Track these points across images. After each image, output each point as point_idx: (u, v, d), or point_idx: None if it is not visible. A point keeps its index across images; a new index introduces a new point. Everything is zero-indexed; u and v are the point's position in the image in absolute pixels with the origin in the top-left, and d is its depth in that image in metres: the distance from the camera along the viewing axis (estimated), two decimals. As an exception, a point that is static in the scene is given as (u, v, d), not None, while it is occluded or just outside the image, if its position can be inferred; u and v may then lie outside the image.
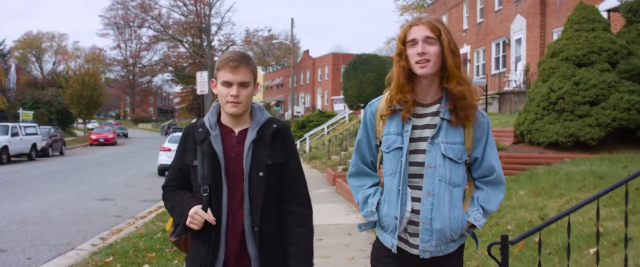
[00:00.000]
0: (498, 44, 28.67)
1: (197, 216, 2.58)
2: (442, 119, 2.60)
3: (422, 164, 2.60)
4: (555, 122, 10.14)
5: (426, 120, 2.63)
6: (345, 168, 17.26)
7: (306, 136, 32.42)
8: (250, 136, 2.67)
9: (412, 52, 2.57)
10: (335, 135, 27.89)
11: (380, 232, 2.75)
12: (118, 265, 6.92)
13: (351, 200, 12.14)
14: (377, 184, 2.82)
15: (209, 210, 2.61)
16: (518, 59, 25.70)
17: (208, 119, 2.74)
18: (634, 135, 9.93)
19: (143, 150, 38.56)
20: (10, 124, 27.83)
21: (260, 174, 2.63)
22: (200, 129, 2.72)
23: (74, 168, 23.86)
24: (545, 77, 10.63)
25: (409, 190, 2.61)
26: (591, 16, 10.62)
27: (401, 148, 2.62)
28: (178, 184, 2.80)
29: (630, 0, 10.74)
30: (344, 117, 35.11)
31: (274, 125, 2.74)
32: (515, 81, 24.00)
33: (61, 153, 33.67)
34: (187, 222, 2.60)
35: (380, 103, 2.75)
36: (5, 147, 25.54)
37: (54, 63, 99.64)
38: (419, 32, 2.56)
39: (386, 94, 2.72)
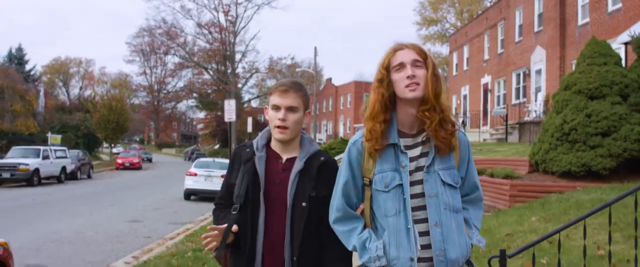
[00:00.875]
0: (518, 75, 29.08)
1: (211, 230, 2.65)
2: (434, 146, 2.54)
3: (420, 195, 2.51)
4: (569, 152, 10.56)
5: (418, 150, 2.55)
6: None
7: (328, 162, 32.90)
8: (298, 166, 2.71)
9: (400, 77, 2.49)
10: (357, 162, 28.38)
11: None
12: (152, 280, 7.43)
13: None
14: (365, 226, 2.65)
15: (235, 227, 2.67)
16: (538, 90, 26.05)
17: (257, 141, 2.81)
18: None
19: (168, 174, 39.28)
20: (41, 148, 28.78)
21: (304, 204, 2.66)
22: (247, 149, 2.79)
23: (103, 191, 24.57)
24: (559, 109, 11.09)
25: (415, 226, 2.50)
26: (603, 51, 11.09)
27: (401, 185, 2.52)
28: (226, 201, 2.86)
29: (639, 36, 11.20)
30: (366, 145, 35.56)
31: (322, 158, 2.78)
32: (534, 111, 24.33)
33: (89, 176, 34.53)
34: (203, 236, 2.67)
35: (364, 140, 2.61)
36: (37, 170, 26.35)
37: (81, 88, 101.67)
38: (406, 56, 2.51)
39: (363, 131, 2.63)
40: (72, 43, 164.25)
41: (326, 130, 68.28)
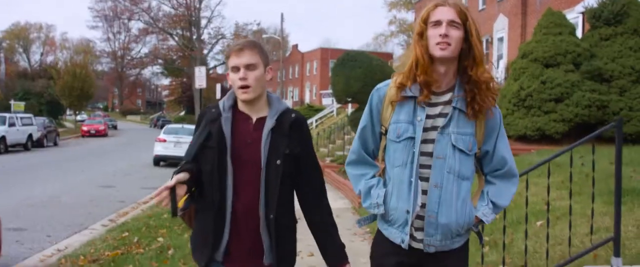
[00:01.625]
0: (482, 42, 29.73)
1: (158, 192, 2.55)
2: (454, 108, 2.48)
3: (430, 154, 2.48)
4: (524, 117, 11.20)
5: (438, 109, 2.50)
6: (334, 160, 18.27)
7: (295, 129, 33.32)
8: (269, 124, 2.66)
9: (434, 33, 2.42)
10: (324, 128, 28.84)
11: (385, 226, 2.63)
12: (135, 238, 7.86)
13: (339, 188, 13.11)
14: (376, 174, 2.69)
15: (176, 177, 2.55)
16: (500, 57, 26.73)
17: (223, 102, 2.75)
18: (595, 129, 10.96)
19: (135, 141, 39.34)
20: (7, 115, 28.54)
21: (278, 162, 2.62)
22: (213, 110, 2.74)
23: (71, 158, 24.67)
24: (516, 76, 11.69)
25: (419, 182, 2.48)
26: (558, 21, 11.68)
27: (413, 138, 2.48)
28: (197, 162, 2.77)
29: (594, 7, 11.79)
30: (332, 111, 36.04)
31: (293, 115, 2.74)
32: (497, 78, 25.02)
33: (55, 144, 34.38)
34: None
35: (389, 88, 2.59)
36: (3, 138, 26.23)
37: (42, 54, 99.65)
38: (445, 14, 2.42)
39: (395, 79, 2.58)
40: (31, 6, 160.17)
41: (292, 97, 68.48)
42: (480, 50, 2.45)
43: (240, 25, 74.63)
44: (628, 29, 11.33)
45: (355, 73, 21.48)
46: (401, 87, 2.51)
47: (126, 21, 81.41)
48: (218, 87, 26.28)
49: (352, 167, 2.74)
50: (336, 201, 11.05)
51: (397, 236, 2.55)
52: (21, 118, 29.49)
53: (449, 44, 2.39)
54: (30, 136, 29.48)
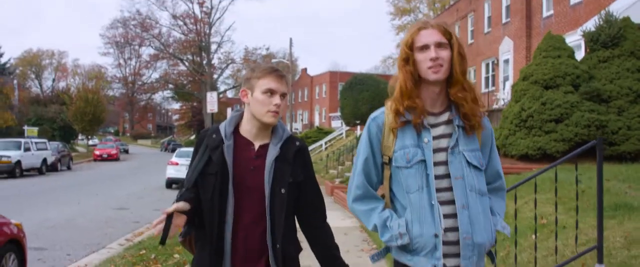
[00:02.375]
0: (488, 64, 30.13)
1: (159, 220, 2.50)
2: (458, 126, 2.46)
3: (443, 176, 2.43)
4: (526, 137, 11.57)
5: (440, 130, 2.48)
6: (343, 181, 18.60)
7: (305, 151, 33.77)
8: (273, 152, 2.66)
9: (423, 57, 2.41)
10: (333, 151, 29.25)
11: (408, 257, 2.49)
12: (152, 255, 8.24)
13: (346, 207, 13.46)
14: (384, 207, 2.59)
15: (175, 205, 2.51)
16: (506, 79, 27.09)
17: (224, 127, 2.71)
18: (595, 148, 11.29)
19: (146, 165, 39.79)
20: (22, 140, 29.19)
21: (283, 191, 2.61)
22: (213, 136, 2.68)
23: (85, 182, 25.14)
24: (518, 97, 12.09)
25: (439, 206, 2.41)
26: (557, 45, 12.10)
27: (424, 161, 2.43)
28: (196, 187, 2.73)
29: (592, 31, 12.20)
30: (341, 134, 36.47)
31: (297, 143, 2.74)
32: (503, 99, 25.36)
33: (68, 168, 34.98)
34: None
35: (386, 115, 2.53)
36: (19, 162, 26.82)
37: (54, 80, 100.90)
38: (431, 37, 2.42)
39: (389, 105, 2.53)
40: (43, 34, 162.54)
41: (302, 120, 69.02)
42: (460, 69, 2.42)
43: (250, 49, 75.42)
44: (625, 51, 11.72)
45: (363, 96, 22.10)
46: (397, 112, 2.46)
47: (137, 47, 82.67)
48: (229, 111, 26.76)
49: (360, 203, 2.61)
50: (344, 220, 11.41)
51: (427, 263, 2.44)
52: (36, 143, 30.11)
53: (441, 66, 2.38)
54: (44, 160, 30.07)
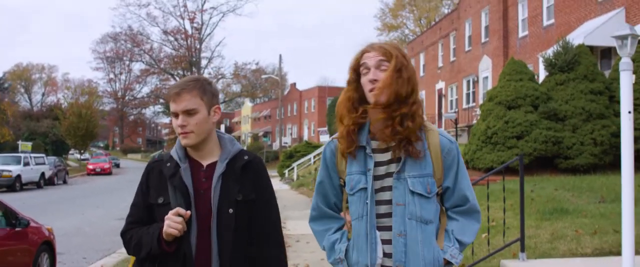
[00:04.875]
0: (468, 81, 31.54)
1: (173, 216, 2.34)
2: (405, 150, 2.36)
3: (389, 202, 2.37)
4: (491, 152, 12.96)
5: (390, 155, 2.39)
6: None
7: (294, 165, 35.04)
8: (219, 169, 2.47)
9: (365, 80, 2.38)
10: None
11: None
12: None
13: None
14: (342, 227, 2.57)
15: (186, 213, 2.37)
16: (485, 95, 28.46)
17: (176, 151, 2.52)
18: (552, 161, 12.74)
19: (139, 179, 40.82)
20: (22, 155, 30.31)
21: (230, 210, 2.41)
22: (168, 164, 2.49)
23: (83, 195, 26.26)
24: (484, 117, 13.50)
25: (378, 233, 2.37)
26: (519, 69, 13.54)
27: (366, 189, 2.38)
28: (143, 225, 2.50)
29: (550, 57, 13.65)
30: (329, 148, 37.68)
31: (245, 157, 2.54)
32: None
33: (64, 182, 36.04)
34: (164, 229, 2.33)
35: (338, 140, 2.49)
36: (19, 176, 27.90)
37: (43, 94, 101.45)
38: (371, 58, 2.37)
39: (340, 130, 2.49)
40: (32, 47, 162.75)
41: (291, 134, 70.15)
42: (395, 87, 2.33)
43: (240, 64, 76.68)
44: (579, 75, 13.15)
45: (348, 112, 23.44)
46: (343, 138, 2.45)
47: (128, 62, 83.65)
48: (222, 127, 27.97)
49: (315, 223, 2.62)
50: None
51: None
52: (34, 158, 31.15)
53: (380, 88, 2.33)
54: (42, 174, 31.13)
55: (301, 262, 8.60)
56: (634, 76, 4.39)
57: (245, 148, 2.73)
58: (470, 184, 2.52)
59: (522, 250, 6.09)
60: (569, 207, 8.59)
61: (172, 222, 2.31)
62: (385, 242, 2.38)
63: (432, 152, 2.41)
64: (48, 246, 8.21)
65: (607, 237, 6.64)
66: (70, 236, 12.98)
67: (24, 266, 7.36)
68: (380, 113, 2.39)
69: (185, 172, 2.46)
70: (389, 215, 2.38)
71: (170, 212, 2.34)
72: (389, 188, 2.39)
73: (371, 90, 2.36)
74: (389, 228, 2.38)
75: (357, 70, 2.44)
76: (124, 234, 2.56)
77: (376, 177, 2.40)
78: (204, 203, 2.43)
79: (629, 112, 4.32)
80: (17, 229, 7.32)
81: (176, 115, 2.44)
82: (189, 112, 2.42)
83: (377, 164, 2.40)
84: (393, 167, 2.39)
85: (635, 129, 12.33)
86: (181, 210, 2.35)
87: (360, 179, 2.42)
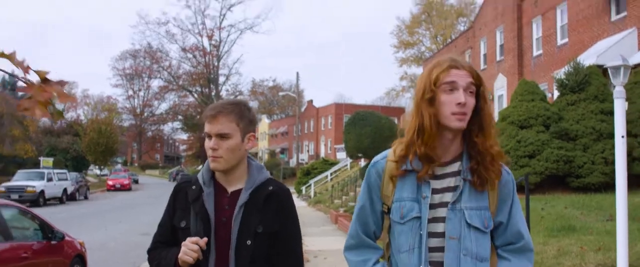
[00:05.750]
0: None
1: (189, 243, 2.30)
2: (465, 180, 2.18)
3: (442, 234, 2.17)
4: (504, 171, 13.30)
5: (446, 182, 2.20)
6: (346, 210, 20.24)
7: (311, 182, 35.44)
8: (242, 199, 2.41)
9: (449, 100, 2.12)
10: (338, 181, 30.92)
11: None
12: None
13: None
14: (380, 259, 2.35)
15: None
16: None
17: (202, 175, 2.48)
18: (564, 180, 13.07)
19: (160, 195, 41.31)
20: (46, 171, 31.03)
21: (248, 242, 2.35)
22: (193, 187, 2.46)
23: (106, 210, 26.82)
24: (497, 136, 13.84)
25: None
26: (531, 90, 13.92)
27: (419, 218, 2.18)
28: (168, 246, 2.48)
29: (562, 77, 14.01)
30: (346, 165, 38.13)
31: (270, 188, 2.46)
32: (495, 133, 26.90)
33: (86, 197, 36.65)
34: (179, 255, 2.30)
35: (387, 162, 2.28)
36: (42, 192, 28.58)
37: (63, 110, 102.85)
38: (462, 78, 2.14)
39: (395, 149, 2.28)
40: (51, 62, 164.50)
41: (308, 151, 70.58)
42: (491, 119, 2.23)
43: (257, 81, 77.60)
44: (590, 95, 13.50)
45: (365, 131, 23.75)
46: (401, 159, 2.22)
47: (146, 79, 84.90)
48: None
49: (352, 253, 2.38)
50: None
51: None
52: (57, 173, 31.86)
53: (465, 114, 2.12)
54: (65, 190, 31.75)
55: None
56: (626, 103, 4.77)
57: (263, 164, 2.54)
58: (524, 220, 2.32)
59: (528, 265, 6.47)
60: (576, 224, 8.94)
61: (188, 249, 2.28)
62: None
63: (495, 182, 2.22)
64: (80, 259, 8.69)
65: (610, 254, 6.97)
66: (95, 250, 13.41)
67: (59, 278, 7.83)
68: (451, 136, 2.19)
69: (208, 197, 2.42)
70: (440, 249, 2.17)
71: (188, 239, 2.31)
72: (442, 220, 2.18)
73: (455, 114, 2.12)
74: (439, 264, 2.17)
75: (438, 85, 2.16)
76: (149, 252, 2.57)
77: (430, 206, 2.19)
78: (225, 231, 2.38)
79: (622, 137, 4.71)
80: (52, 242, 7.79)
81: (209, 136, 2.40)
82: (222, 136, 2.37)
83: (433, 192, 2.21)
84: (448, 197, 2.19)
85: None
86: (196, 239, 2.30)
87: (412, 206, 2.21)
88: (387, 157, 2.30)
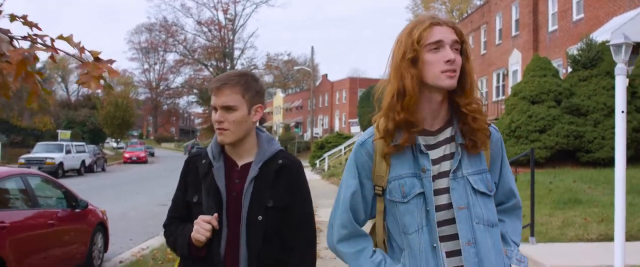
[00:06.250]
0: (498, 75, 31.81)
1: (202, 222, 2.27)
2: (460, 144, 2.04)
3: (446, 206, 2.02)
4: (515, 145, 13.51)
5: (441, 151, 2.06)
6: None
7: (325, 155, 35.76)
8: (252, 173, 2.34)
9: (435, 58, 1.96)
10: (351, 155, 31.14)
11: None
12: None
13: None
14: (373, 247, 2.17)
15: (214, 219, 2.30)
16: (514, 89, 28.76)
17: (211, 148, 2.42)
18: (574, 155, 13.25)
19: (176, 168, 41.51)
20: (64, 143, 31.61)
21: (260, 217, 2.30)
22: (203, 161, 2.40)
23: (124, 182, 27.34)
24: (509, 111, 14.05)
25: (441, 245, 2.01)
26: (544, 65, 14.04)
27: (423, 193, 2.02)
28: (182, 221, 2.45)
29: (575, 53, 14.11)
30: (360, 139, 38.27)
31: (280, 161, 2.38)
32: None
33: (103, 169, 37.31)
34: (192, 234, 2.28)
35: (376, 141, 2.09)
36: (61, 164, 29.21)
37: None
38: (446, 34, 1.98)
39: (377, 124, 2.10)
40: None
41: (322, 125, 70.80)
42: (472, 77, 2.05)
43: (272, 56, 77.60)
44: (602, 71, 13.61)
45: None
46: (387, 134, 2.04)
47: (162, 53, 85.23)
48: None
49: (346, 245, 2.17)
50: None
51: None
52: (75, 146, 32.40)
53: (455, 71, 1.97)
54: (83, 162, 32.40)
55: None
56: (627, 79, 4.96)
57: (277, 139, 2.45)
58: (513, 177, 2.26)
59: (532, 234, 6.73)
60: (583, 197, 9.17)
61: (201, 228, 2.25)
62: (448, 255, 2.01)
63: (487, 143, 2.10)
64: (102, 226, 9.04)
65: (612, 225, 7.20)
66: (116, 220, 13.76)
67: (83, 244, 8.18)
68: (440, 99, 2.04)
69: (218, 172, 2.36)
70: (448, 222, 2.02)
71: (200, 218, 2.28)
72: (445, 190, 2.03)
73: (445, 72, 1.96)
74: (451, 238, 2.02)
75: (421, 44, 1.99)
76: (165, 227, 2.53)
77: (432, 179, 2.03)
78: (236, 207, 2.33)
79: (622, 112, 4.91)
80: (76, 210, 8.14)
81: (215, 109, 2.33)
82: (228, 109, 2.30)
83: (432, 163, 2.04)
84: (446, 165, 2.05)
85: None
86: (208, 218, 2.27)
87: (413, 182, 2.03)
88: (373, 135, 2.12)
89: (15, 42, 1.65)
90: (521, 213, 2.26)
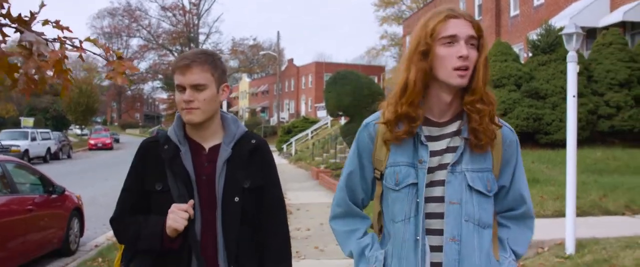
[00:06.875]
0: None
1: (178, 210, 2.15)
2: (466, 139, 1.97)
3: (440, 199, 1.97)
4: (477, 128, 14.01)
5: (445, 143, 2.00)
6: (327, 166, 20.87)
7: (292, 140, 36.09)
8: (224, 154, 2.27)
9: (448, 53, 1.90)
10: (319, 139, 31.52)
11: None
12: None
13: (332, 188, 15.73)
14: (369, 229, 2.20)
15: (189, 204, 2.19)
16: (477, 73, 29.37)
17: (174, 131, 2.31)
18: (533, 137, 13.81)
19: (142, 153, 41.76)
20: (29, 130, 31.31)
21: (236, 199, 2.24)
22: (165, 146, 2.27)
23: (90, 168, 27.27)
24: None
25: (426, 238, 1.97)
26: (505, 51, 14.55)
27: (416, 184, 1.98)
28: (137, 213, 2.31)
29: (534, 39, 14.64)
30: (327, 123, 38.68)
31: (253, 141, 2.35)
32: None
33: (69, 156, 37.02)
34: (168, 223, 2.14)
35: (380, 125, 2.07)
36: (27, 151, 28.96)
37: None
38: (462, 28, 1.91)
39: (383, 111, 2.07)
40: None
41: (288, 110, 70.97)
42: (484, 76, 1.97)
43: (237, 40, 77.29)
44: (560, 56, 14.14)
45: (345, 90, 24.24)
46: (390, 123, 2.02)
47: (126, 38, 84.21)
48: (224, 102, 28.69)
49: (339, 223, 2.22)
50: (328, 198, 13.63)
51: None
52: (41, 133, 32.12)
53: (467, 69, 1.92)
54: (48, 149, 32.11)
55: (302, 226, 9.66)
56: (578, 66, 5.36)
57: (243, 123, 2.34)
58: (527, 184, 2.16)
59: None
60: (540, 177, 9.67)
61: (178, 217, 2.14)
62: (434, 249, 1.98)
63: (493, 144, 2.00)
64: (78, 211, 9.23)
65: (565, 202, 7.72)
66: (86, 205, 13.69)
67: (59, 229, 8.37)
68: (450, 95, 1.98)
69: (186, 156, 2.26)
70: (438, 215, 1.98)
71: (175, 206, 2.16)
72: (440, 183, 1.98)
73: (457, 69, 1.90)
74: (437, 232, 1.98)
75: (433, 38, 1.93)
76: (114, 221, 2.37)
77: (428, 170, 1.99)
78: (208, 191, 2.25)
79: (573, 96, 5.32)
80: (53, 195, 8.31)
81: (182, 88, 2.21)
82: (198, 87, 2.20)
83: (431, 155, 2.00)
84: (448, 158, 1.99)
85: (612, 107, 13.40)
86: (184, 206, 2.16)
87: (408, 172, 2.00)
88: (379, 118, 2.09)
89: (49, 44, 1.91)
90: (533, 224, 2.15)
